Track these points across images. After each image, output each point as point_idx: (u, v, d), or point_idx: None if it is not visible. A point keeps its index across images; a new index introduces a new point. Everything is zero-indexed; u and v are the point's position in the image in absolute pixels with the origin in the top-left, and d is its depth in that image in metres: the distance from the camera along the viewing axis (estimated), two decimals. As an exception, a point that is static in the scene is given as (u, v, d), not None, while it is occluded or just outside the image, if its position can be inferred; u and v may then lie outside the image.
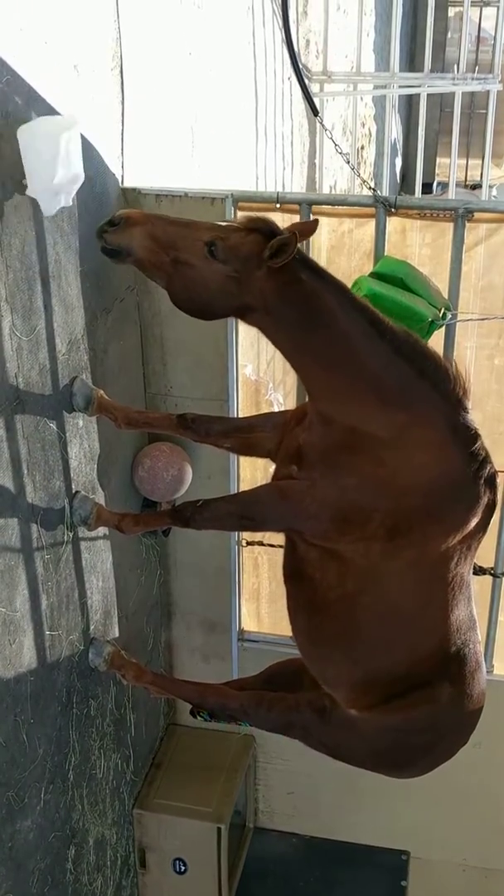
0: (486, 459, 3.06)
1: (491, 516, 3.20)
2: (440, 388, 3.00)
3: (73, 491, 3.75)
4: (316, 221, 3.33)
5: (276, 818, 5.76)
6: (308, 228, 3.28)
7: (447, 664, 3.29)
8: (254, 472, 4.74)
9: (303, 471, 3.21)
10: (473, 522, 3.13)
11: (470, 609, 3.33)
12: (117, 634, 4.45)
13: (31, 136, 3.05)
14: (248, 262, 2.95)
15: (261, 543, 4.85)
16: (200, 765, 5.28)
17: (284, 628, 4.83)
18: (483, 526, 3.20)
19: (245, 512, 3.39)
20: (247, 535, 4.83)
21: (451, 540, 3.12)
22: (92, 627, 4.12)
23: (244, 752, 5.40)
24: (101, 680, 4.27)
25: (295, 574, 3.42)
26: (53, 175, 3.04)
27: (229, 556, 4.80)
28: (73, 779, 4.06)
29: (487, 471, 3.08)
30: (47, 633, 3.66)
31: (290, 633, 4.72)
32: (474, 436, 3.04)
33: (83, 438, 3.86)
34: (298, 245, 2.93)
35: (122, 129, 4.02)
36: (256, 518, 3.40)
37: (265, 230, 2.96)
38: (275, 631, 4.98)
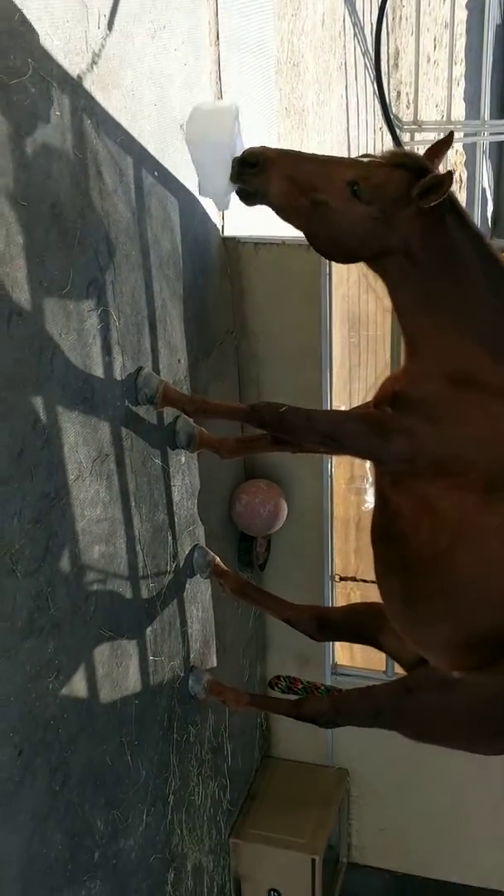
0: None
1: None
2: None
3: (137, 367, 3.49)
4: (451, 135, 3.03)
5: (369, 854, 5.78)
6: (442, 147, 2.97)
7: None
8: (347, 509, 4.86)
9: (398, 414, 3.03)
10: None
11: None
12: (215, 664, 4.59)
13: (200, 138, 2.98)
14: (396, 202, 2.77)
15: (353, 579, 4.95)
16: (294, 797, 5.36)
17: (377, 662, 4.94)
18: None
19: (333, 431, 3.18)
20: (339, 571, 4.94)
21: None
22: (192, 655, 4.28)
23: (338, 786, 5.46)
24: (199, 707, 4.40)
25: (386, 534, 3.26)
26: (227, 171, 2.92)
27: (322, 591, 4.91)
28: (173, 803, 4.18)
29: None
30: (151, 658, 3.82)
31: (382, 668, 4.89)
32: None
33: (185, 474, 4.05)
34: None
35: (223, 183, 4.24)
36: (343, 441, 3.18)
37: (412, 166, 2.78)
38: (368, 665, 5.07)
